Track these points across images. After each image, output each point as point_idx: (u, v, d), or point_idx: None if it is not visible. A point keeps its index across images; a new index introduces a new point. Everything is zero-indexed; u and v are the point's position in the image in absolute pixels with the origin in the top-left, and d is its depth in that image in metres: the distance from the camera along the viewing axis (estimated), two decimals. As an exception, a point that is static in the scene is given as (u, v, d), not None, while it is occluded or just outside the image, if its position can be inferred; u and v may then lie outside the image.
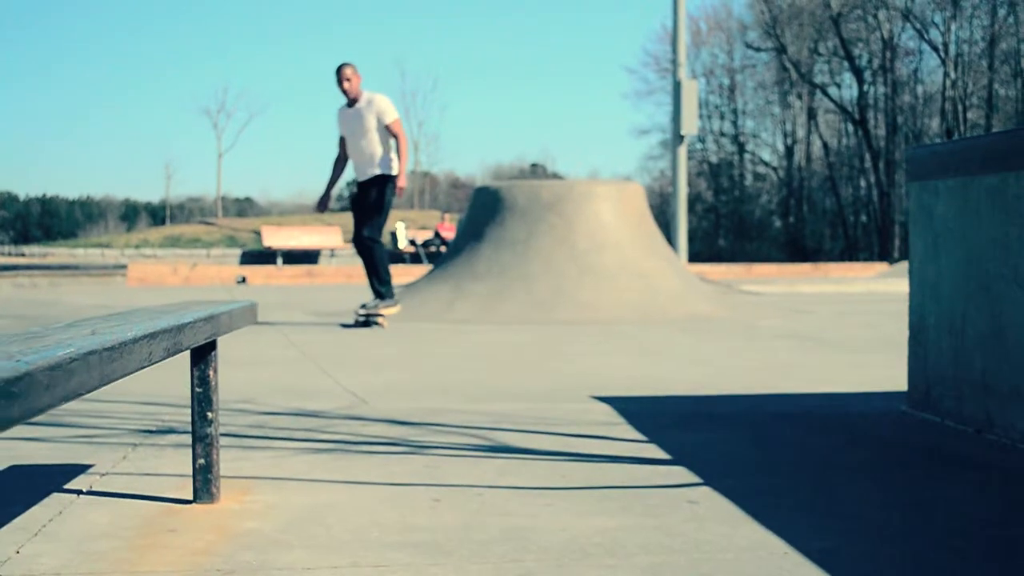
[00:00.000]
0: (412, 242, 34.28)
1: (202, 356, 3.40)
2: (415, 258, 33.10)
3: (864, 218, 58.93)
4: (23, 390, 1.44)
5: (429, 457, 4.17)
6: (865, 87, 56.16)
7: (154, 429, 4.80)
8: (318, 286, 23.26)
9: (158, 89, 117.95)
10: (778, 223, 63.73)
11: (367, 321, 10.95)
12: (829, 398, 5.88)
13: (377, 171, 10.72)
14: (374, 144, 10.70)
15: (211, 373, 3.42)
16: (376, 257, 10.75)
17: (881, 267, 34.75)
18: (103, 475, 3.83)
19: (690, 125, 24.01)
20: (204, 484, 3.43)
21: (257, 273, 25.80)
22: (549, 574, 2.66)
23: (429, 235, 35.26)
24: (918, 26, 52.68)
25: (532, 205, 13.13)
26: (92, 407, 5.31)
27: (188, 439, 4.49)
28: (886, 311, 14.49)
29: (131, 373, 2.05)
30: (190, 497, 3.46)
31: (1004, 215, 4.47)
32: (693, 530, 3.10)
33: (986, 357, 4.61)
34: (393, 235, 35.05)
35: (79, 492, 3.57)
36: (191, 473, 3.53)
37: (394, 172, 10.70)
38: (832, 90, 58.49)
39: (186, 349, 2.66)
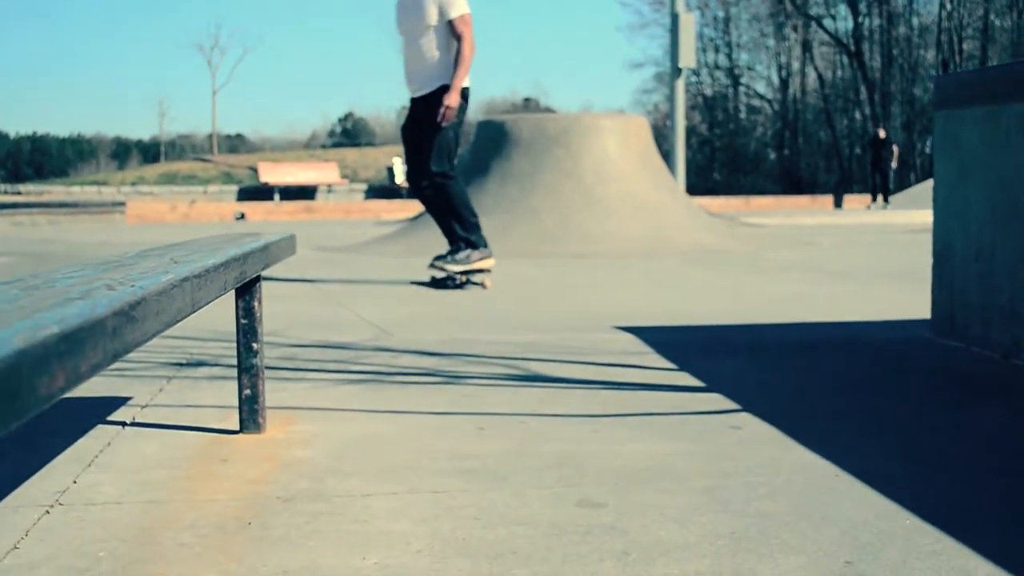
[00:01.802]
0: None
1: (247, 288, 3.41)
2: (411, 193, 33.01)
3: (858, 150, 58.84)
4: (141, 315, 1.45)
5: (466, 387, 4.19)
6: (860, 19, 55.88)
7: (184, 362, 4.81)
8: (317, 221, 23.27)
9: (150, 26, 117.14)
10: (773, 156, 63.64)
11: (456, 281, 8.12)
12: (850, 327, 5.91)
13: (436, 84, 7.88)
14: (432, 47, 7.87)
15: (256, 304, 3.44)
16: (453, 196, 7.88)
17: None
18: (143, 407, 3.85)
19: (688, 58, 23.95)
20: (251, 414, 3.45)
21: (256, 209, 25.78)
22: (608, 497, 2.69)
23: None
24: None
25: (537, 138, 13.10)
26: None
27: (220, 371, 4.53)
28: (889, 242, 14.54)
29: (211, 301, 2.07)
30: (236, 427, 3.48)
31: (1034, 142, 4.48)
32: (742, 454, 3.13)
33: (1015, 284, 4.63)
34: (390, 170, 34.97)
35: (123, 424, 3.59)
36: (235, 404, 3.56)
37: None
38: (827, 22, 58.23)
39: (249, 279, 2.68)
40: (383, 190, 34.68)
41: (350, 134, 76.15)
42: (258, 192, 33.85)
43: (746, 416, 3.63)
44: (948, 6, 50.55)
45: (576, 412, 3.70)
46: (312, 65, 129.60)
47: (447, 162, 7.81)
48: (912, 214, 23.76)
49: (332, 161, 37.84)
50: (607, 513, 2.56)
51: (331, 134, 78.81)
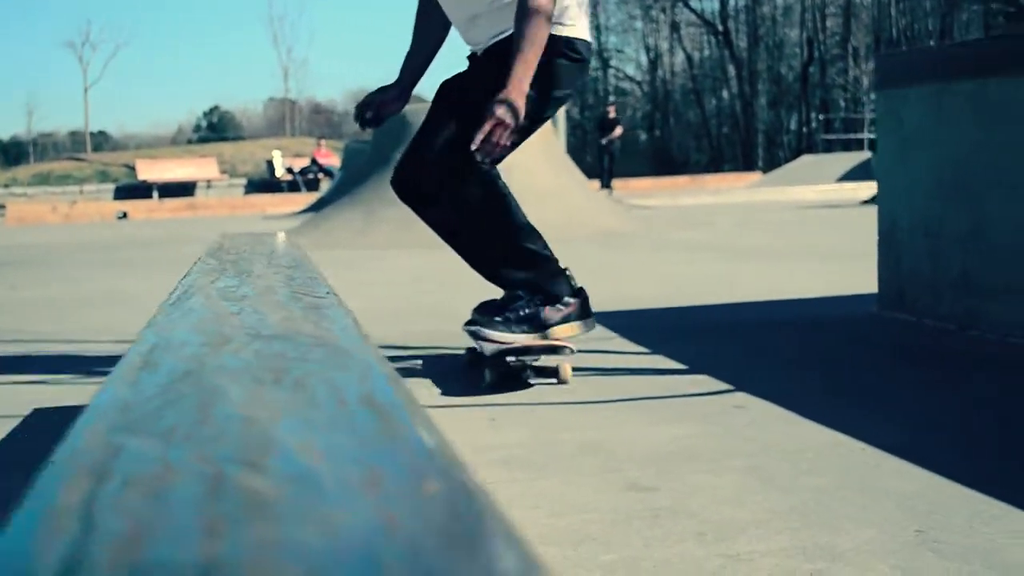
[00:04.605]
0: (289, 170, 33.90)
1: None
2: (293, 186, 32.74)
3: (726, 129, 59.72)
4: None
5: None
6: (726, -1, 56.68)
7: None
8: (203, 218, 22.97)
9: (17, 24, 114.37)
10: (644, 136, 64.25)
11: (521, 364, 4.04)
12: (797, 304, 6.05)
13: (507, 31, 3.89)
14: None
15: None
16: (492, 206, 3.98)
17: (754, 176, 35.34)
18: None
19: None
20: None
21: (137, 208, 25.38)
22: (657, 480, 2.76)
23: (306, 162, 34.87)
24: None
25: (440, 128, 13.09)
26: (79, 348, 5.26)
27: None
28: (783, 220, 14.83)
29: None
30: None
31: (983, 119, 4.64)
32: (761, 433, 3.22)
33: (967, 256, 4.80)
34: (269, 163, 34.64)
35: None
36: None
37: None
38: (694, 3, 58.95)
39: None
40: (263, 184, 34.34)
41: (217, 128, 75.24)
42: (136, 190, 33.30)
43: (743, 396, 3.73)
44: (812, -16, 51.59)
45: (576, 399, 3.76)
46: (177, 59, 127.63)
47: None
48: (790, 191, 24.22)
49: (210, 156, 37.38)
50: (663, 496, 2.63)
51: (197, 129, 77.77)
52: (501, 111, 3.55)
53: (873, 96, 45.93)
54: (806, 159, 33.95)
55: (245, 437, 0.68)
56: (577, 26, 3.84)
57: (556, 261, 4.05)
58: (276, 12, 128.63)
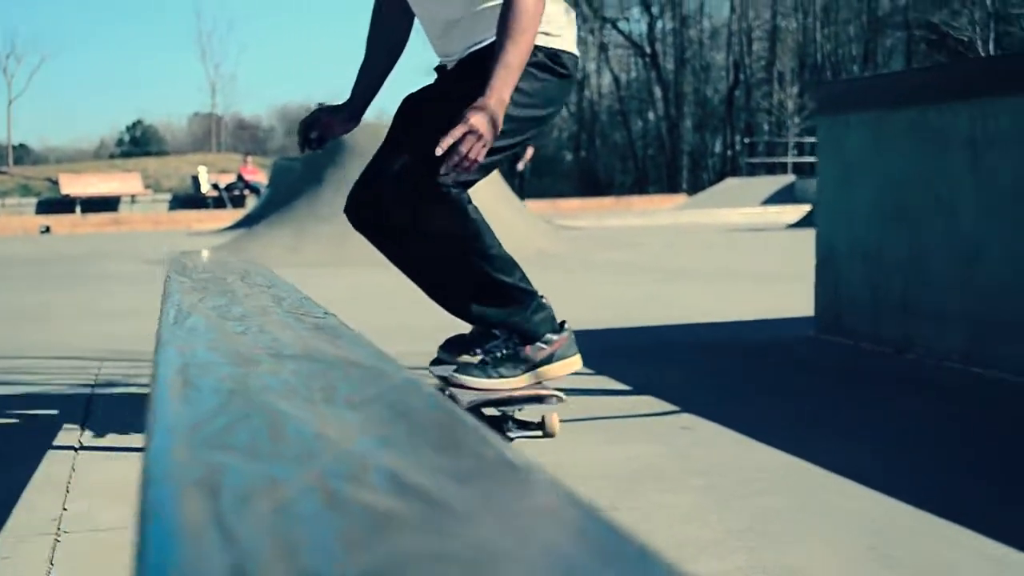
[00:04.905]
0: (215, 186, 33.67)
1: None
2: (218, 202, 32.53)
3: (652, 151, 60.12)
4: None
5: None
6: (654, 21, 57.14)
7: (95, 383, 4.74)
8: (128, 233, 22.79)
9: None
10: (569, 157, 64.51)
11: (501, 415, 3.48)
12: (733, 327, 6.13)
13: (485, 40, 3.33)
14: None
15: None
16: (461, 233, 3.32)
17: (679, 199, 35.59)
18: (82, 429, 3.80)
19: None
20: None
21: (61, 222, 25.11)
22: (616, 499, 2.80)
23: (232, 178, 34.64)
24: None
25: (373, 145, 12.94)
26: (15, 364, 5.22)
27: (140, 391, 4.48)
28: (711, 242, 14.97)
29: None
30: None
31: (922, 146, 4.74)
32: (711, 453, 3.27)
33: (905, 281, 4.89)
34: (195, 179, 34.39)
35: (75, 448, 3.55)
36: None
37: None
38: (622, 24, 59.36)
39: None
40: (188, 200, 34.07)
41: (140, 143, 74.53)
42: (58, 204, 32.89)
43: (689, 417, 3.78)
44: (737, 9, 52.18)
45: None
46: (101, 72, 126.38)
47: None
48: (715, 213, 24.43)
49: (135, 171, 37.06)
50: (622, 516, 2.66)
51: (120, 143, 76.95)
52: (476, 119, 2.96)
53: (796, 120, 46.55)
54: (731, 182, 34.28)
55: (334, 454, 0.70)
56: (564, 37, 3.36)
57: (536, 295, 3.47)
58: (205, 27, 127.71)
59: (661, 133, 57.94)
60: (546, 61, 3.29)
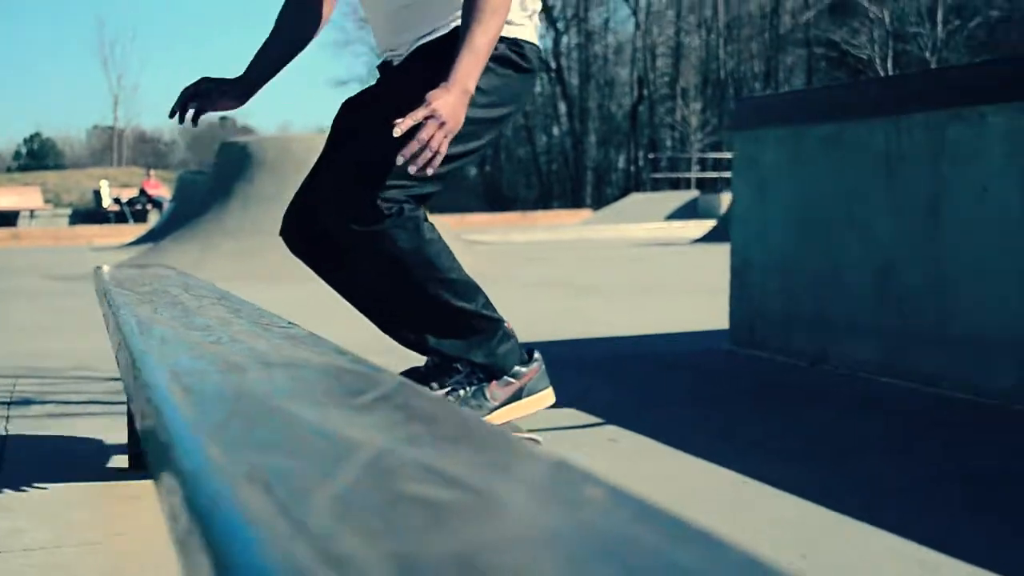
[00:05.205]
0: (117, 200, 33.26)
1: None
2: (120, 217, 32.12)
3: (556, 166, 60.48)
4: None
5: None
6: (559, 36, 57.53)
7: (9, 400, 4.69)
8: (28, 248, 22.46)
9: None
10: (474, 172, 64.64)
11: None
12: (650, 340, 6.20)
13: (439, 29, 2.90)
14: None
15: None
16: (412, 259, 2.85)
17: (585, 214, 35.82)
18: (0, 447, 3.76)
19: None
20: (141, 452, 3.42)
21: (-42, 237, 24.68)
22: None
23: (134, 193, 34.25)
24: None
25: (282, 159, 13.06)
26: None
27: (56, 408, 4.43)
28: (620, 257, 15.09)
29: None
30: (125, 464, 3.45)
31: (838, 162, 4.85)
32: (639, 465, 3.32)
33: (819, 294, 4.99)
34: (96, 193, 33.93)
35: (-2, 463, 3.51)
36: (100, 438, 3.55)
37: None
38: (526, 40, 59.59)
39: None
40: (90, 214, 33.62)
41: (37, 156, 73.47)
42: (-48, 219, 32.38)
43: (613, 428, 3.83)
44: (642, 25, 52.71)
45: (454, 431, 3.81)
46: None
47: (403, 189, 2.82)
48: (620, 228, 24.63)
49: (34, 185, 36.52)
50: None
51: (17, 156, 75.76)
52: (440, 103, 2.54)
53: (699, 136, 47.06)
54: (635, 197, 34.59)
55: (371, 451, 0.72)
56: (527, 26, 2.93)
57: (501, 322, 3.04)
58: (107, 38, 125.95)
59: (565, 148, 58.32)
60: (508, 54, 2.86)
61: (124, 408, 3.59)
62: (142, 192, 33.10)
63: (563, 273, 12.05)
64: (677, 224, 25.22)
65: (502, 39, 2.79)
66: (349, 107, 3.12)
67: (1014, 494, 2.99)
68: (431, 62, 2.74)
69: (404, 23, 2.91)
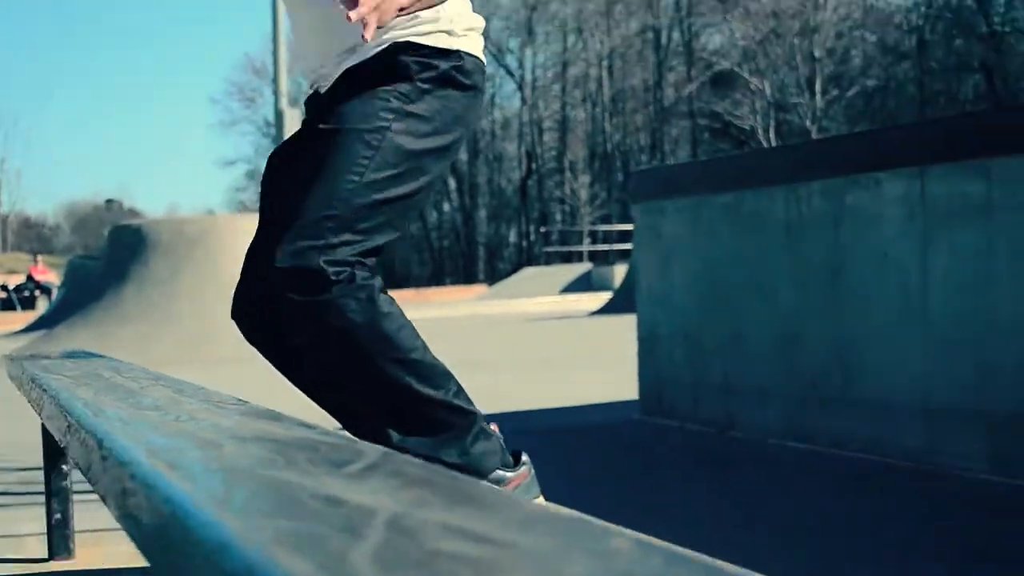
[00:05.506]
0: (3, 287, 32.67)
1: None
2: (7, 304, 31.55)
3: (447, 242, 60.68)
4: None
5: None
6: (446, 114, 57.92)
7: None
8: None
9: None
10: (366, 251, 64.60)
11: None
12: (558, 413, 6.23)
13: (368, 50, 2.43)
14: None
15: (62, 422, 3.37)
16: (384, 335, 2.40)
17: (479, 289, 35.93)
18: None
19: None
20: (62, 540, 3.36)
21: None
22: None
23: (21, 279, 33.67)
24: (495, 51, 54.87)
25: (176, 241, 12.97)
26: None
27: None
28: (518, 332, 15.16)
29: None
30: (45, 555, 3.39)
31: (740, 230, 4.96)
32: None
33: (726, 361, 5.08)
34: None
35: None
36: (21, 529, 3.48)
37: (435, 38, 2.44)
38: (414, 117, 59.92)
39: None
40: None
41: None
42: None
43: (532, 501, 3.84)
44: (528, 100, 53.30)
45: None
46: None
47: (351, 246, 2.35)
48: (515, 303, 24.70)
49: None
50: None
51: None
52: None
53: (589, 209, 47.44)
54: (528, 271, 34.72)
55: (388, 514, 0.74)
56: (470, 38, 2.50)
57: (477, 416, 2.54)
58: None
59: (456, 224, 58.56)
60: (450, 72, 2.43)
61: (37, 498, 3.52)
62: (29, 278, 32.54)
63: (462, 350, 12.05)
64: (572, 297, 25.37)
65: (439, 54, 2.42)
66: (277, 159, 2.60)
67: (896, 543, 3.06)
68: (366, 82, 2.39)
69: (332, 36, 2.45)
